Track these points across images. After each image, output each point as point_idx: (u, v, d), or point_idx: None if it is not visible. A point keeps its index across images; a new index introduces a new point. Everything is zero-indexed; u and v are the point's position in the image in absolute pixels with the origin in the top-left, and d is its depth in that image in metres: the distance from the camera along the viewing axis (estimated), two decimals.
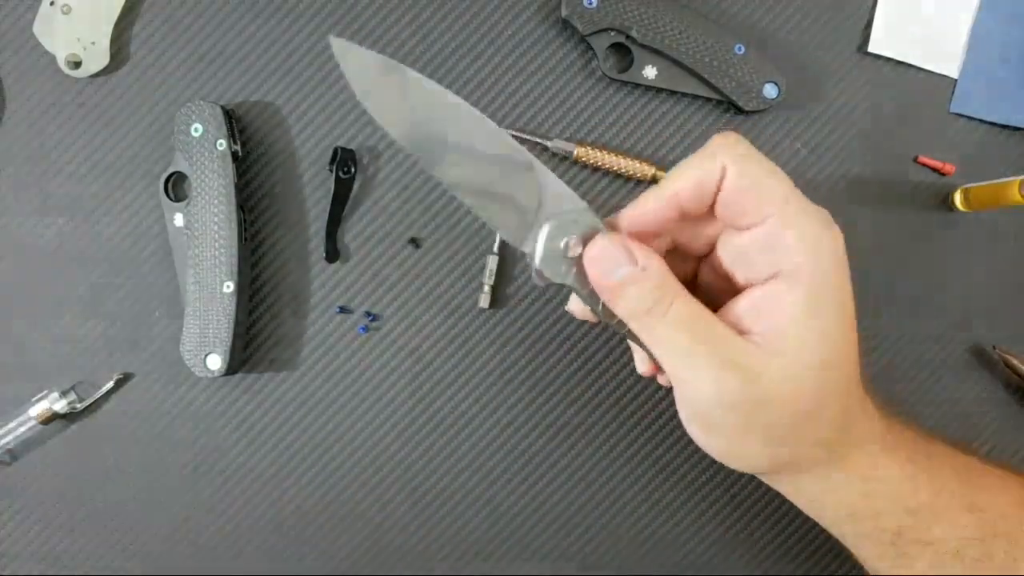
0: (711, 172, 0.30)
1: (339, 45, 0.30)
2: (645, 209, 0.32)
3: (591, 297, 0.32)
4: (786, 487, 0.35)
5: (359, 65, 0.31)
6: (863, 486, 0.33)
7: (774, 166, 0.30)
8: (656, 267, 0.30)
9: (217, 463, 0.49)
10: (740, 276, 0.32)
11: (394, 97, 0.31)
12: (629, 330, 0.32)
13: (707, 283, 0.35)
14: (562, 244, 0.31)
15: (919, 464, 0.33)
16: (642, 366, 0.36)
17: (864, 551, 0.36)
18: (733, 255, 0.32)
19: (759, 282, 0.31)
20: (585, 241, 0.31)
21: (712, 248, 0.34)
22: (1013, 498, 0.34)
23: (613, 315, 0.32)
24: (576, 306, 0.35)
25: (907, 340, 0.50)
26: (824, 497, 0.34)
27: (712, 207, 0.31)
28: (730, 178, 0.30)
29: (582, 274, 0.31)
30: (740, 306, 0.31)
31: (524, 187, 0.31)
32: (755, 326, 0.30)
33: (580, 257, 0.31)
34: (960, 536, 0.33)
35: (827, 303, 0.29)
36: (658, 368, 0.35)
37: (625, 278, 0.30)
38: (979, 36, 0.49)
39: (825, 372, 0.30)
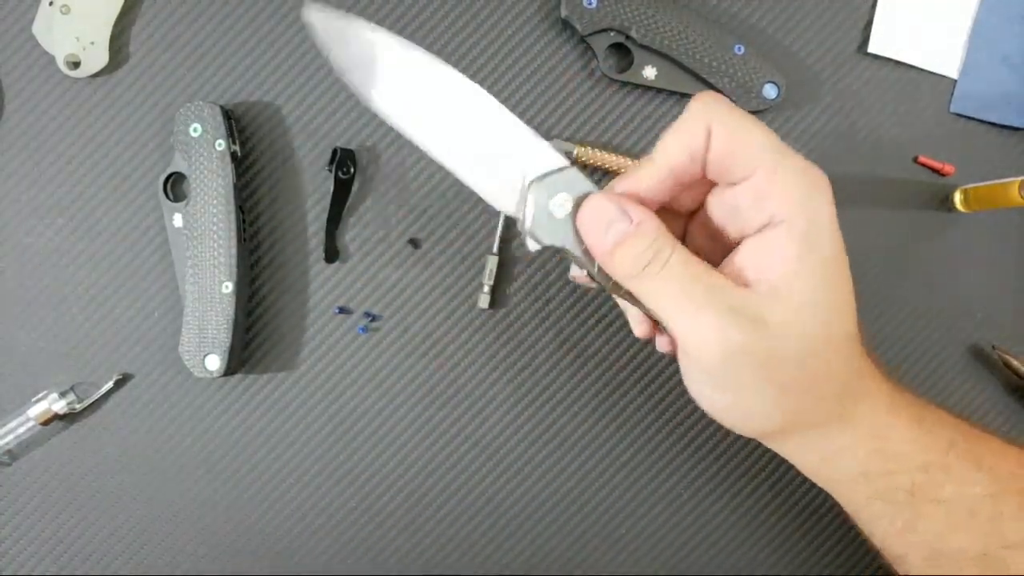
0: (698, 137, 0.30)
1: (312, 16, 0.31)
2: (640, 185, 0.32)
3: (586, 258, 0.32)
4: (794, 448, 0.34)
5: (334, 36, 0.31)
6: (874, 443, 0.32)
7: (755, 119, 0.31)
8: (651, 222, 0.30)
9: (216, 463, 0.49)
10: (732, 230, 0.32)
11: (367, 63, 0.31)
12: (627, 291, 0.32)
13: (697, 241, 0.35)
14: (551, 203, 0.31)
15: (926, 424, 0.33)
16: (639, 328, 0.36)
17: (878, 515, 0.35)
18: (724, 210, 0.32)
19: (752, 233, 0.31)
20: (577, 201, 0.31)
21: (701, 205, 0.34)
22: (1017, 458, 0.34)
23: (609, 277, 0.32)
24: (578, 272, 0.35)
25: (907, 340, 0.50)
26: (835, 456, 0.33)
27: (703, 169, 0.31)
28: (717, 138, 0.30)
29: (575, 236, 0.31)
30: (736, 260, 0.31)
31: (509, 150, 0.32)
32: (753, 275, 0.30)
33: (573, 218, 0.31)
34: (971, 494, 0.33)
35: (822, 245, 0.30)
36: (657, 329, 0.35)
37: (620, 236, 0.30)
38: (979, 36, 0.49)
39: (827, 314, 0.30)
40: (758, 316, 0.29)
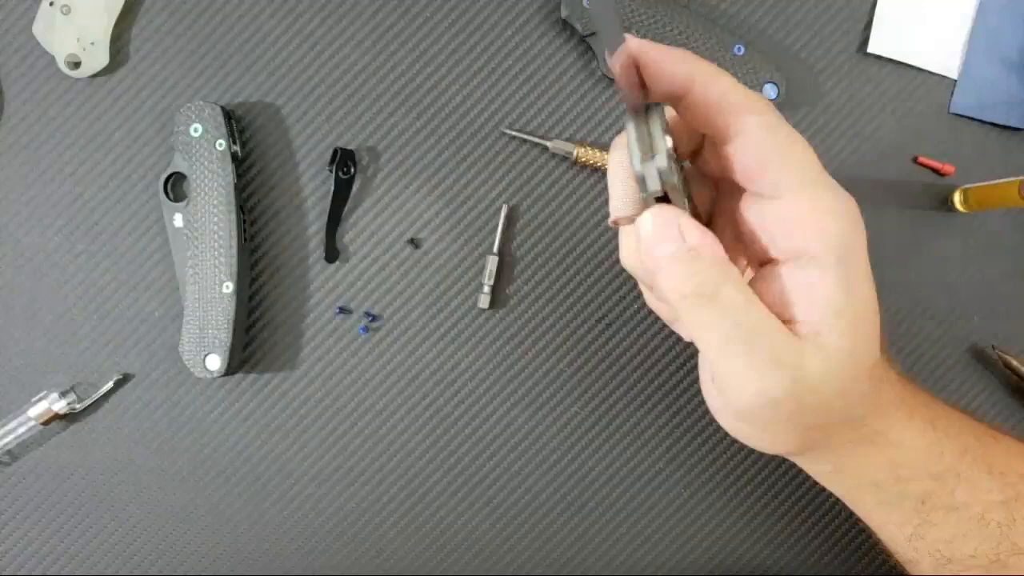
0: (732, 118, 0.28)
1: None
2: (666, 64, 0.28)
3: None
4: (807, 461, 0.34)
5: None
6: (889, 454, 0.32)
7: (800, 137, 0.29)
8: (709, 247, 0.28)
9: (217, 463, 0.49)
10: (762, 240, 0.30)
11: None
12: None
13: (725, 218, 0.33)
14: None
15: (940, 429, 0.33)
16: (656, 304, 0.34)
17: (886, 521, 0.35)
18: (754, 222, 0.30)
19: (784, 258, 0.29)
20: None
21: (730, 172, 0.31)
22: None
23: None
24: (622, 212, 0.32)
25: (906, 340, 0.50)
26: (848, 468, 0.33)
27: (724, 163, 0.29)
28: (756, 145, 0.28)
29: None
30: (774, 289, 0.29)
31: None
32: (791, 313, 0.29)
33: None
34: (984, 500, 0.32)
35: (856, 288, 0.28)
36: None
37: (672, 256, 0.28)
38: (979, 36, 0.49)
39: (859, 357, 0.29)
40: (798, 366, 0.28)
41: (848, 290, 0.28)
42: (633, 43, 0.27)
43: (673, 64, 0.27)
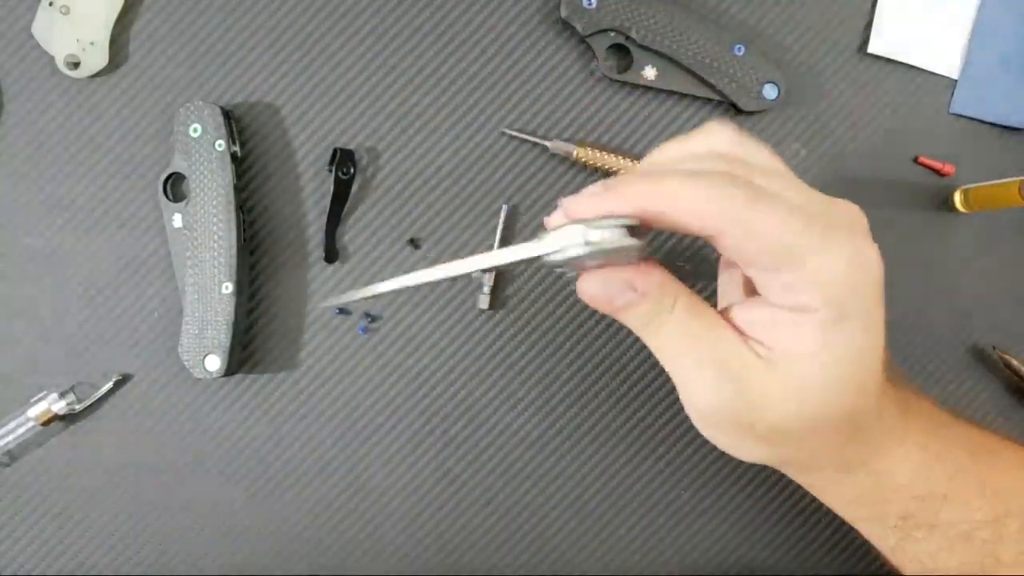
0: (705, 225, 0.26)
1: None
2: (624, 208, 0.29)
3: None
4: (790, 473, 0.34)
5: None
6: (871, 479, 0.32)
7: (778, 194, 0.26)
8: (653, 287, 0.29)
9: (216, 464, 0.49)
10: (756, 287, 0.29)
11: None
12: None
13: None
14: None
15: (931, 450, 0.33)
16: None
17: (867, 533, 0.35)
18: (750, 278, 0.30)
19: (780, 306, 0.28)
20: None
21: None
22: None
23: None
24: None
25: (907, 340, 0.50)
26: (828, 487, 0.34)
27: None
28: (731, 237, 0.26)
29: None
30: (758, 314, 0.29)
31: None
32: (768, 339, 0.28)
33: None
34: (971, 519, 0.33)
35: (850, 330, 0.27)
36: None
37: (627, 304, 0.30)
38: (979, 37, 0.49)
39: (835, 393, 0.28)
40: (743, 381, 0.28)
41: (837, 337, 0.27)
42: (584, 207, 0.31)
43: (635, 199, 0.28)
